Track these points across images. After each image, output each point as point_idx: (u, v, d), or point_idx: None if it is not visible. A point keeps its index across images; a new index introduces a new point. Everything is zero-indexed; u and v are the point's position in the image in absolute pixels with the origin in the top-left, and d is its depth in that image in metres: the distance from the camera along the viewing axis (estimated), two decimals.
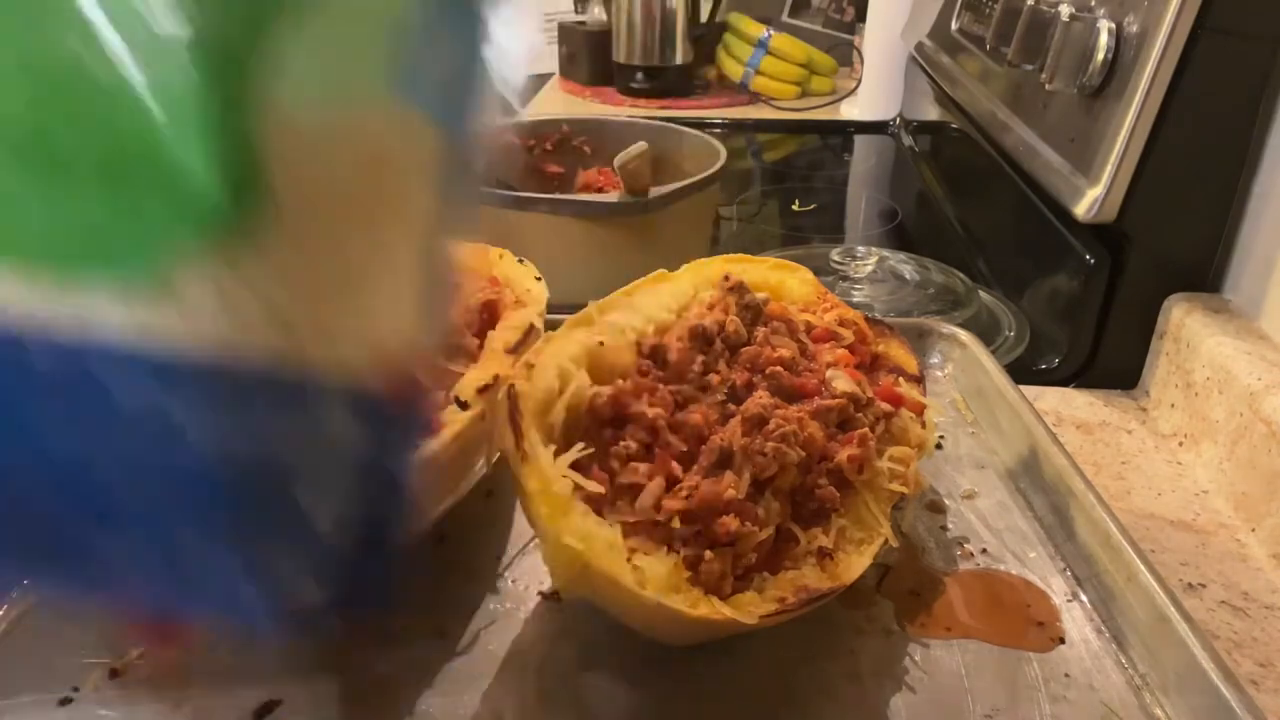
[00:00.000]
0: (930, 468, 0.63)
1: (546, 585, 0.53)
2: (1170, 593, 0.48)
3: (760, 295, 0.60)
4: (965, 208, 1.27)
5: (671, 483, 0.47)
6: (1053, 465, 0.59)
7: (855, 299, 0.93)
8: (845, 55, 1.99)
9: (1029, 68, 0.94)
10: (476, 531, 0.57)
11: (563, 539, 0.43)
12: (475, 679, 0.47)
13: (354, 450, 0.34)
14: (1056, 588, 0.53)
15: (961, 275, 0.97)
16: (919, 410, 0.57)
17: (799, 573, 0.46)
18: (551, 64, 2.15)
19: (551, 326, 0.56)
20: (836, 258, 1.00)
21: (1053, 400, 0.81)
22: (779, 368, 0.54)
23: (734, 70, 1.93)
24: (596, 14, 1.98)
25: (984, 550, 0.56)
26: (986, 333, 0.86)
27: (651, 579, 0.42)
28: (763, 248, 1.14)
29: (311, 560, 0.34)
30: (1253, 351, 0.71)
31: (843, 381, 0.54)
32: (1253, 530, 0.65)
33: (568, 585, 0.43)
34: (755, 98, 1.92)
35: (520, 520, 0.58)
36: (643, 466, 0.48)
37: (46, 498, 0.30)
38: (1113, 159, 0.77)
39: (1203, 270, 0.80)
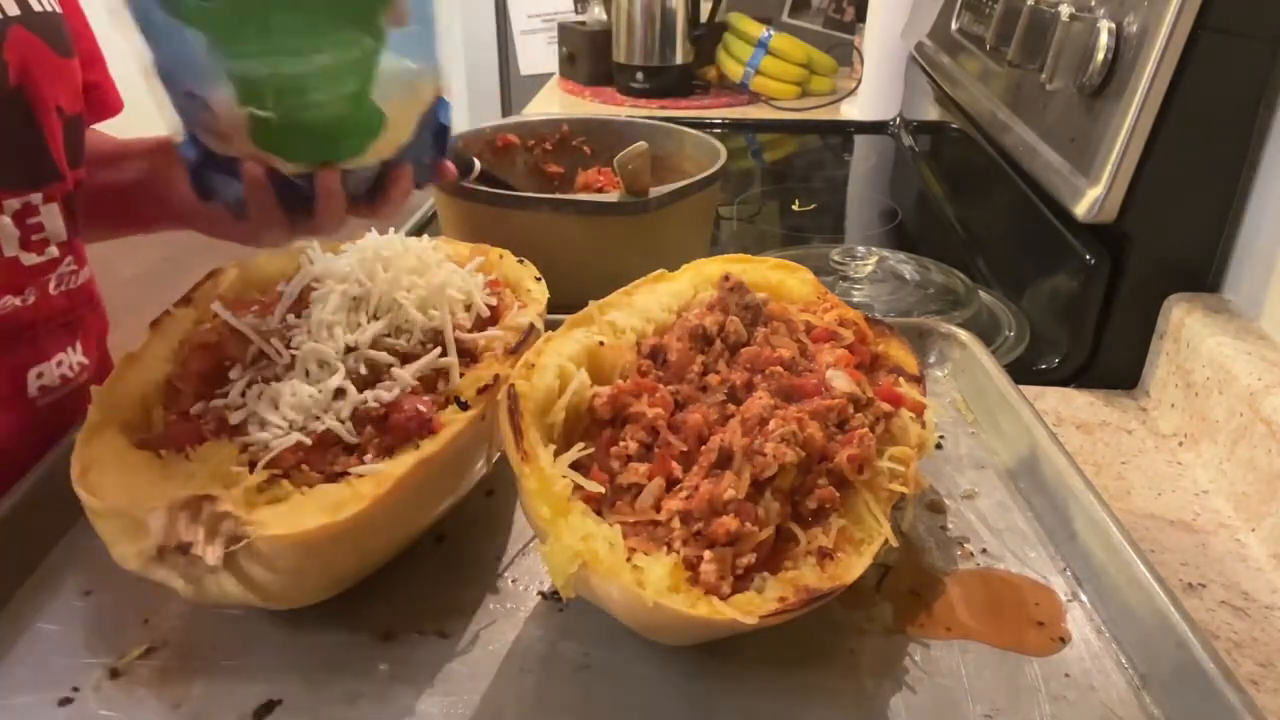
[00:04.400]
0: (930, 468, 0.63)
1: (546, 585, 0.53)
2: (1170, 593, 0.48)
3: (760, 295, 0.60)
4: (965, 208, 1.27)
5: (671, 483, 0.48)
6: (1053, 465, 0.59)
7: (855, 299, 0.93)
8: (845, 55, 1.99)
9: (1029, 68, 0.94)
10: (476, 531, 0.57)
11: (563, 539, 0.43)
12: (475, 679, 0.47)
13: None
14: (1057, 588, 0.53)
15: (961, 275, 0.97)
16: (919, 410, 0.57)
17: (799, 573, 0.45)
18: (551, 64, 2.15)
19: (551, 326, 0.56)
20: (836, 258, 1.00)
21: (1053, 400, 0.81)
22: (779, 368, 0.54)
23: (734, 70, 1.93)
24: (596, 14, 1.98)
25: (984, 550, 0.56)
26: (986, 333, 0.86)
27: (651, 579, 0.42)
28: (763, 248, 1.14)
29: None
30: (1253, 351, 0.71)
31: (842, 381, 0.54)
32: (1253, 530, 0.65)
33: (568, 585, 0.44)
34: (755, 98, 1.92)
35: (520, 520, 0.58)
36: (642, 466, 0.48)
37: None
38: (1113, 159, 0.77)
39: (1203, 270, 0.80)
